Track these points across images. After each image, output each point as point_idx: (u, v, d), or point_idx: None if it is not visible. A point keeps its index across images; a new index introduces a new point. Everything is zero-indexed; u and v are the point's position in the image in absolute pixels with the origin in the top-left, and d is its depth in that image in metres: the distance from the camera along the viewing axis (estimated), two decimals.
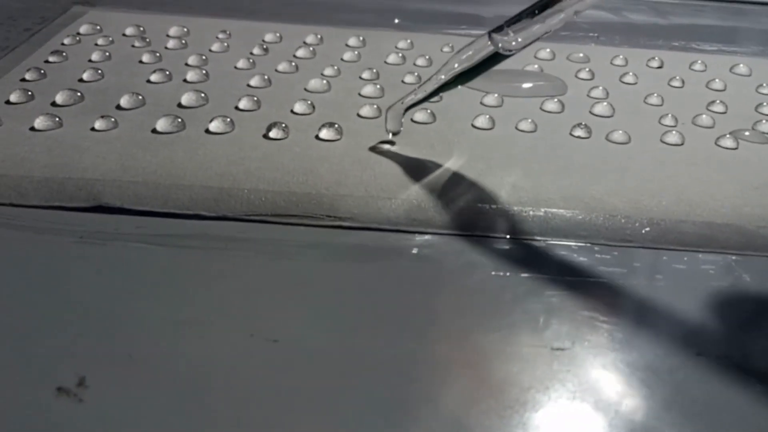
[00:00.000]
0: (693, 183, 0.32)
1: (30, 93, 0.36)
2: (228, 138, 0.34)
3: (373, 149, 0.33)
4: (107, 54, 0.42)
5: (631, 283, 0.27)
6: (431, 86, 0.32)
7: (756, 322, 0.26)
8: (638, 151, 0.35)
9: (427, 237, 0.29)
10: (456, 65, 0.31)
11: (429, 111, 0.36)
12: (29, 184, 0.30)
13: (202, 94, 0.37)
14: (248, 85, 0.39)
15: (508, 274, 0.27)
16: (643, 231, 0.29)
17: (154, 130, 0.34)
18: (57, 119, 0.34)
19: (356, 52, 0.44)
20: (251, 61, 0.42)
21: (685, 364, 0.23)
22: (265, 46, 0.44)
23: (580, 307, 0.26)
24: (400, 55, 0.44)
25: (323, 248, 0.28)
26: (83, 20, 0.47)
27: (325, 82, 0.40)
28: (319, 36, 0.46)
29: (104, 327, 0.23)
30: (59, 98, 0.36)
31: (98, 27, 0.45)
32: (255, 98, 0.37)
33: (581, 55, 0.46)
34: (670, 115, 0.38)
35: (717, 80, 0.43)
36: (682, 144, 0.36)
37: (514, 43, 0.30)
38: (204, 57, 0.42)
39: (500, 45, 0.30)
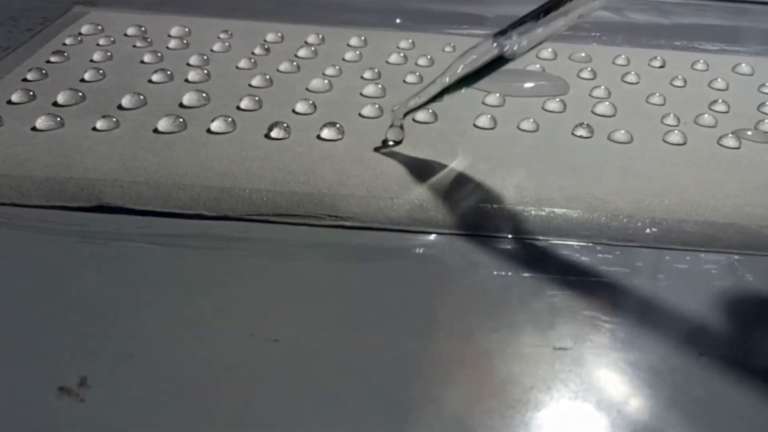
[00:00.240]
0: (695, 182, 0.32)
1: (31, 93, 0.36)
2: (229, 138, 0.34)
3: (377, 150, 0.33)
4: (109, 54, 0.42)
5: (633, 283, 0.27)
6: (435, 89, 0.32)
7: (758, 322, 0.26)
8: (640, 150, 0.35)
9: (428, 237, 0.29)
10: (460, 68, 0.31)
11: (431, 111, 0.36)
12: (31, 183, 0.30)
13: (204, 94, 0.37)
14: (250, 85, 0.39)
15: (510, 273, 0.27)
16: (646, 231, 0.29)
17: (155, 130, 0.34)
18: (58, 119, 0.34)
19: (358, 52, 0.44)
20: (253, 60, 0.42)
21: (688, 364, 0.23)
22: (266, 46, 0.44)
23: (582, 306, 0.26)
24: (402, 54, 0.44)
25: (325, 248, 0.28)
26: (85, 20, 0.47)
27: (326, 81, 0.40)
28: (320, 36, 0.46)
29: (106, 327, 0.23)
30: (61, 98, 0.36)
31: (100, 27, 0.45)
32: (256, 98, 0.37)
33: (583, 54, 0.46)
34: (672, 114, 0.38)
35: (719, 80, 0.43)
36: (684, 144, 0.36)
37: (517, 47, 0.30)
38: (205, 57, 0.42)
39: (505, 49, 0.30)
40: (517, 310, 0.26)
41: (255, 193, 0.30)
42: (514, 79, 0.41)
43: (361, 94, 0.39)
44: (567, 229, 0.29)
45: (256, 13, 0.51)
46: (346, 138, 0.34)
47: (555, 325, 0.25)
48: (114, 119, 0.34)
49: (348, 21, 0.50)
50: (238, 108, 0.36)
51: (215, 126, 0.34)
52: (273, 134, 0.34)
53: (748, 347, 0.25)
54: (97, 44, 0.43)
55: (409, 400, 0.22)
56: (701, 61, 0.46)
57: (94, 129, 0.34)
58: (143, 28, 0.46)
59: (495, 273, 0.27)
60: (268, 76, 0.40)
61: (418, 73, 0.41)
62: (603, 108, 0.39)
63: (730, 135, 0.36)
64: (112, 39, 0.44)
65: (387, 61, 0.44)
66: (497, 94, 0.39)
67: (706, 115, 0.38)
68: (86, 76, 0.39)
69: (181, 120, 0.34)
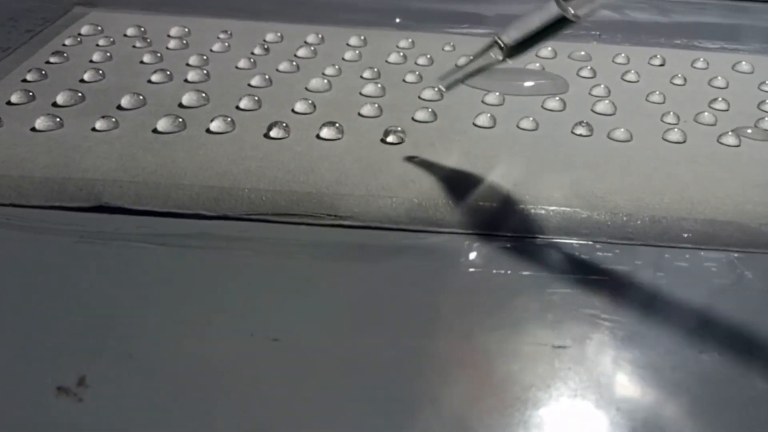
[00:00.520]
0: (695, 180, 0.32)
1: (31, 93, 0.36)
2: (229, 137, 0.34)
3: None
4: (108, 54, 0.42)
5: (633, 281, 0.27)
6: (482, 61, 0.30)
7: (758, 320, 0.26)
8: (640, 149, 0.35)
9: (428, 236, 0.29)
10: (517, 32, 0.30)
11: (430, 110, 0.36)
12: (30, 184, 0.30)
13: (203, 94, 0.37)
14: (249, 85, 0.39)
15: (509, 272, 0.27)
16: (645, 229, 0.29)
17: (155, 130, 0.34)
18: (58, 119, 0.34)
19: (357, 52, 0.44)
20: (252, 60, 0.42)
21: (687, 362, 0.23)
22: (266, 46, 0.44)
23: (581, 305, 0.26)
24: (402, 54, 0.44)
25: (324, 247, 0.28)
26: (84, 21, 0.47)
27: (326, 81, 0.40)
28: (320, 35, 0.46)
29: (105, 326, 0.23)
30: (60, 99, 0.36)
31: (99, 28, 0.45)
32: (256, 98, 0.37)
33: (583, 53, 0.46)
34: (672, 112, 0.38)
35: (719, 78, 0.43)
36: (684, 142, 0.36)
37: (581, 9, 0.29)
38: (205, 57, 0.42)
39: (569, 9, 0.29)
40: (517, 309, 0.25)
41: (254, 193, 0.30)
42: (513, 78, 0.41)
43: (360, 94, 0.39)
44: (567, 228, 0.29)
45: (256, 13, 0.51)
46: (345, 137, 0.34)
47: (554, 324, 0.25)
48: (113, 119, 0.34)
49: (347, 20, 0.50)
50: (238, 108, 0.36)
51: (214, 126, 0.34)
52: (272, 134, 0.34)
53: (748, 345, 0.24)
54: (97, 45, 0.43)
55: (409, 398, 0.21)
56: (701, 60, 0.46)
57: (94, 129, 0.34)
58: (143, 29, 0.46)
59: (494, 271, 0.27)
60: (267, 76, 0.40)
61: (417, 73, 0.41)
62: (603, 106, 0.39)
63: (730, 133, 0.36)
64: (111, 39, 0.44)
65: (386, 61, 0.44)
66: (497, 93, 0.39)
67: (706, 114, 0.38)
68: (86, 77, 0.39)
69: (180, 120, 0.34)
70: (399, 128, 0.34)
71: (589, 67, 0.44)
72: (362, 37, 0.46)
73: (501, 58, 0.30)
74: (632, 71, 0.43)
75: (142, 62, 0.41)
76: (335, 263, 0.27)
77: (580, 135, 0.36)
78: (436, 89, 0.33)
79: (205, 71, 0.40)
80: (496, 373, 0.23)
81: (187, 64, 0.41)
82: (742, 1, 0.60)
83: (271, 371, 0.22)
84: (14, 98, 0.36)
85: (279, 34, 0.46)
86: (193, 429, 0.20)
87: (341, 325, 0.24)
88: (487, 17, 0.53)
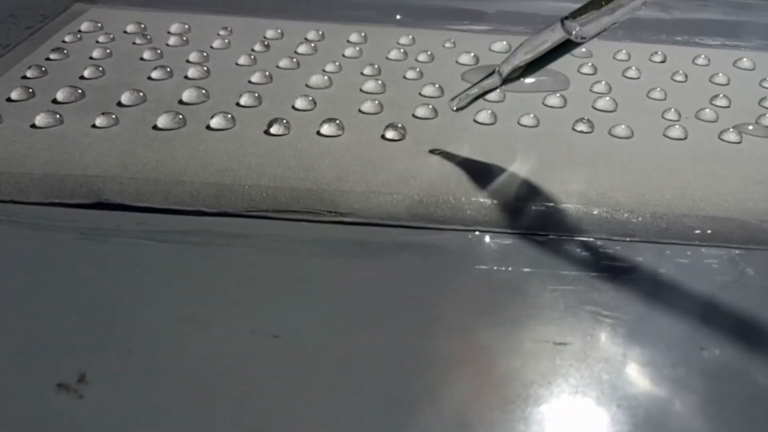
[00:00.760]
0: (696, 177, 0.32)
1: (31, 90, 0.36)
2: (229, 134, 0.34)
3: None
4: (108, 51, 0.42)
5: (634, 278, 0.27)
6: (492, 81, 0.32)
7: (759, 317, 0.26)
8: (641, 145, 0.35)
9: (428, 232, 0.29)
10: (525, 54, 0.30)
11: (431, 106, 0.36)
12: (30, 181, 0.30)
13: (203, 91, 0.37)
14: (249, 82, 0.39)
15: (510, 268, 0.27)
16: (646, 225, 0.29)
17: (155, 127, 0.34)
18: (58, 116, 0.34)
19: (358, 48, 0.44)
20: (252, 57, 0.42)
21: (688, 359, 0.23)
22: (266, 43, 0.44)
23: (582, 301, 0.25)
24: (402, 50, 0.44)
25: (324, 244, 0.28)
26: (84, 18, 0.47)
27: (326, 78, 0.39)
28: (320, 32, 0.46)
29: (105, 323, 0.23)
30: (60, 95, 0.36)
31: (99, 24, 0.45)
32: (256, 94, 0.37)
33: (584, 49, 0.46)
34: (673, 109, 0.38)
35: (720, 74, 0.43)
36: (685, 138, 0.35)
37: (585, 30, 0.29)
38: (205, 54, 0.42)
39: (574, 32, 0.29)
40: (518, 306, 0.25)
41: (255, 190, 0.30)
42: None
43: (361, 90, 0.39)
44: (567, 224, 0.29)
45: (256, 9, 0.50)
46: (345, 134, 0.34)
47: (555, 320, 0.25)
48: (113, 116, 0.34)
49: (348, 17, 0.50)
50: (238, 104, 0.36)
51: (215, 122, 0.34)
52: (273, 130, 0.34)
53: (749, 342, 0.24)
54: (97, 41, 0.43)
55: (409, 395, 0.21)
56: (702, 56, 0.46)
57: (94, 126, 0.34)
58: (143, 25, 0.46)
59: (495, 268, 0.27)
60: (267, 73, 0.40)
61: (418, 69, 0.41)
62: (604, 103, 0.39)
63: (731, 130, 0.36)
64: (111, 36, 0.44)
65: (387, 57, 0.43)
66: (497, 90, 0.39)
67: (707, 110, 0.38)
68: (86, 74, 0.39)
69: (180, 117, 0.34)
70: (400, 125, 0.34)
71: (590, 64, 0.43)
72: (363, 34, 0.46)
73: (500, 84, 0.32)
74: (633, 68, 0.43)
75: (142, 59, 0.41)
76: (336, 260, 0.27)
77: (581, 132, 0.36)
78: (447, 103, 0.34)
79: (205, 68, 0.40)
80: (497, 370, 0.23)
81: (188, 61, 0.41)
82: None
83: (272, 368, 0.22)
84: (14, 95, 0.36)
85: (279, 31, 0.46)
86: (193, 425, 0.20)
87: (342, 321, 0.24)
88: (488, 14, 0.53)
